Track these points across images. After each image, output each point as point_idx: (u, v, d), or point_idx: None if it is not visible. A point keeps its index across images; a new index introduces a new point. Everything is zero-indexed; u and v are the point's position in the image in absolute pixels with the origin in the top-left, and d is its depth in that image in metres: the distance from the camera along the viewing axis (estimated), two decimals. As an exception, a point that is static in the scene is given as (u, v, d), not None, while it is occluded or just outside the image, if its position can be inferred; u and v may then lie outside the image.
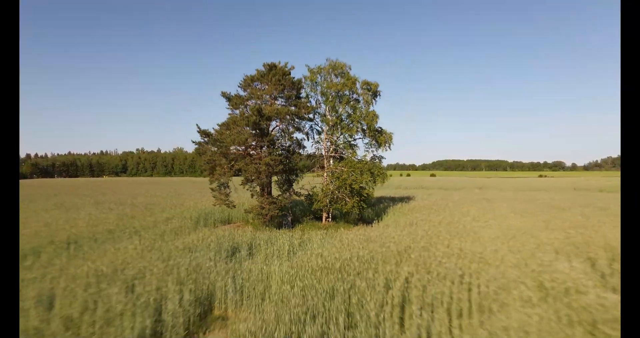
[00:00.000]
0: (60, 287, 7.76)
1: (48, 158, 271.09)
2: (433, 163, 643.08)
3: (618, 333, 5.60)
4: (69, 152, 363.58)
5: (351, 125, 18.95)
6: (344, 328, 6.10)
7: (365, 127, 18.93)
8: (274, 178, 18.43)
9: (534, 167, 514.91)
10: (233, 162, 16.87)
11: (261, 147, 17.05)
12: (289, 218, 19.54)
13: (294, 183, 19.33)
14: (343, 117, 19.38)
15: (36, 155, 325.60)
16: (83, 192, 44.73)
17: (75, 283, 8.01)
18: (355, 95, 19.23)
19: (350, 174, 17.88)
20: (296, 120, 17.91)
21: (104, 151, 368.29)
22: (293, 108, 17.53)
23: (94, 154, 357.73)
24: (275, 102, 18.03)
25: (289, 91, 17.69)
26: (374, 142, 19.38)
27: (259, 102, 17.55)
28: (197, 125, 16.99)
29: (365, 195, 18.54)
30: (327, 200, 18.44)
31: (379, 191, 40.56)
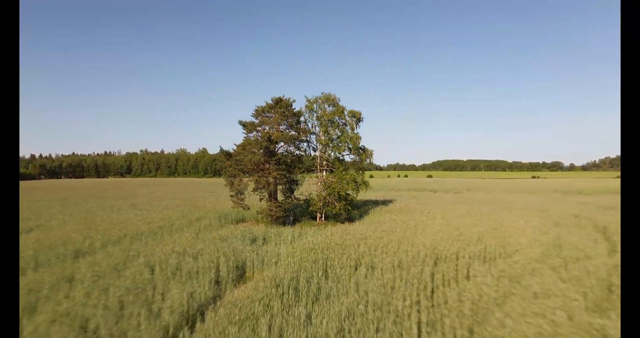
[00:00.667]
0: (155, 260, 12.99)
1: (53, 159, 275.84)
2: (433, 163, 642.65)
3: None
4: (73, 153, 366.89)
5: (340, 145, 24.20)
6: (321, 277, 11.30)
7: (350, 146, 24.16)
8: (279, 186, 23.61)
9: (533, 167, 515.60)
10: (248, 175, 22.13)
11: (269, 164, 22.25)
12: (291, 218, 24.67)
13: (294, 191, 24.56)
14: (334, 138, 24.59)
15: (40, 155, 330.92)
16: (107, 194, 50.01)
17: (160, 258, 13.23)
18: (343, 121, 24.44)
19: (338, 184, 23.09)
20: (296, 142, 23.13)
21: (107, 152, 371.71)
22: (294, 133, 22.77)
23: (98, 154, 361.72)
24: (280, 127, 23.24)
25: (291, 119, 22.90)
26: (357, 157, 24.64)
27: (267, 127, 22.78)
28: (220, 147, 22.31)
29: (350, 200, 23.78)
30: (321, 204, 23.62)
31: (370, 194, 45.79)
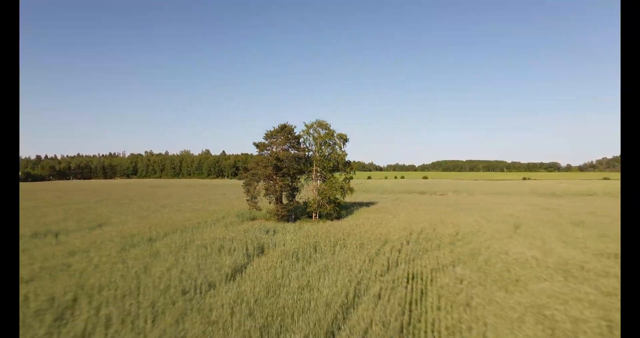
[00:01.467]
0: (205, 243, 20.09)
1: (59, 159, 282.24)
2: (433, 163, 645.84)
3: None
4: (78, 154, 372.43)
5: (330, 160, 31.30)
6: (312, 251, 18.40)
7: (338, 162, 31.27)
8: (284, 193, 30.67)
9: (530, 167, 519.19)
10: (260, 183, 29.26)
11: (277, 176, 29.34)
12: (292, 217, 31.65)
13: (295, 196, 31.65)
14: (326, 154, 31.68)
15: (46, 156, 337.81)
16: (134, 195, 57.18)
17: (208, 242, 20.33)
18: (332, 141, 31.55)
19: (329, 191, 30.17)
20: (297, 159, 30.23)
21: (112, 153, 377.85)
22: (295, 152, 29.89)
23: (103, 155, 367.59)
24: (284, 147, 30.34)
25: (292, 141, 29.99)
26: (344, 170, 31.76)
27: (274, 147, 29.90)
28: (242, 165, 29.24)
29: (338, 202, 30.86)
30: (315, 206, 30.65)
31: (362, 196, 52.91)
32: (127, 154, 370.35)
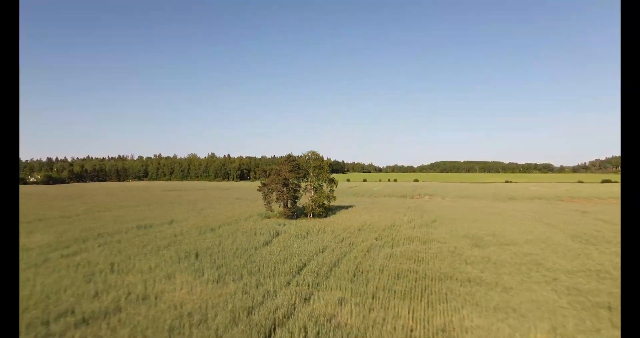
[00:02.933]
0: (245, 231, 35.26)
1: (69, 162, 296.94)
2: (431, 164, 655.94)
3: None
4: (88, 156, 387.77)
5: (320, 178, 46.39)
6: (305, 234, 33.52)
7: (325, 179, 46.37)
8: (289, 200, 45.76)
9: (525, 169, 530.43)
10: (273, 193, 44.39)
11: (285, 189, 44.37)
12: (295, 216, 46.70)
13: (297, 201, 46.72)
14: (317, 174, 46.75)
15: (57, 159, 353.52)
16: (172, 199, 72.39)
17: (247, 230, 35.47)
18: (321, 165, 46.62)
19: (319, 198, 45.22)
20: (297, 178, 45.30)
21: (121, 155, 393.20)
22: (296, 173, 45.02)
23: (112, 157, 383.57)
24: (289, 170, 45.40)
25: (294, 167, 45.03)
26: (329, 184, 46.93)
27: (282, 171, 44.96)
28: (260, 181, 44.56)
29: (325, 206, 45.90)
30: (310, 208, 45.69)
31: (350, 199, 68.00)
32: (136, 156, 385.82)
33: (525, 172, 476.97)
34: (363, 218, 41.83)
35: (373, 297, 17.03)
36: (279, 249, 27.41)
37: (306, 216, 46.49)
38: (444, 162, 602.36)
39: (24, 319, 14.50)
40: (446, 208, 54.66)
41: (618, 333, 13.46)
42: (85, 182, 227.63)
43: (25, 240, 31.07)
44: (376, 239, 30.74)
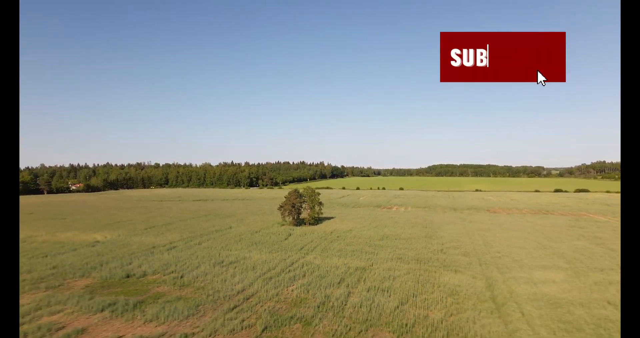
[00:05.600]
0: (271, 232, 69.09)
1: (90, 168, 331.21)
2: (429, 167, 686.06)
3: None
4: (107, 163, 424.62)
5: (313, 201, 79.93)
6: (304, 234, 67.29)
7: (316, 203, 79.85)
8: (296, 214, 79.17)
9: (514, 173, 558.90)
10: (286, 211, 77.98)
11: (294, 209, 77.72)
12: (298, 224, 80.00)
13: (300, 215, 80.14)
14: (311, 199, 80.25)
15: (78, 165, 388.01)
16: (209, 209, 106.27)
17: (272, 230, 69.21)
18: (313, 196, 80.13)
19: (313, 213, 78.68)
20: (300, 202, 78.61)
21: (139, 163, 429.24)
22: (299, 199, 78.36)
23: (130, 165, 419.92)
24: (295, 197, 78.84)
25: (298, 195, 78.31)
26: (318, 205, 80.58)
27: (291, 198, 78.39)
28: (279, 204, 78.06)
29: (316, 218, 79.32)
30: (307, 220, 79.11)
31: (337, 211, 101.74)
32: (152, 163, 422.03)
33: (514, 177, 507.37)
34: (337, 226, 75.25)
35: (327, 255, 50.36)
36: (291, 240, 60.90)
37: (305, 224, 79.93)
38: (440, 165, 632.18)
39: (204, 262, 48.21)
40: (396, 218, 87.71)
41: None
42: (117, 189, 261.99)
43: (165, 238, 64.78)
44: (338, 237, 64.27)
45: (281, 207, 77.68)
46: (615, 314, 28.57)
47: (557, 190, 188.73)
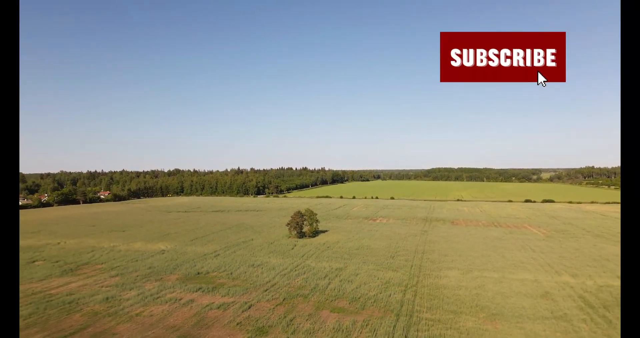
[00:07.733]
0: (282, 243, 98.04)
1: (108, 174, 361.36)
2: (427, 170, 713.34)
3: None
4: (123, 170, 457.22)
5: (312, 219, 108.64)
6: (305, 244, 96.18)
7: (313, 222, 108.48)
8: (300, 229, 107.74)
9: (506, 177, 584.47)
10: (293, 227, 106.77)
11: (297, 225, 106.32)
12: (301, 237, 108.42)
13: (303, 229, 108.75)
14: (310, 218, 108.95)
15: (102, 171, 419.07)
16: (234, 221, 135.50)
17: (282, 241, 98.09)
18: (312, 215, 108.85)
19: (311, 228, 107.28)
20: (302, 220, 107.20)
21: (153, 170, 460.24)
22: (301, 217, 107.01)
23: (145, 172, 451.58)
24: (298, 216, 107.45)
25: (301, 216, 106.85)
26: (315, 222, 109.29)
27: (295, 217, 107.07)
28: (287, 222, 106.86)
29: (314, 232, 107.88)
30: (307, 233, 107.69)
31: (332, 223, 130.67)
32: (165, 170, 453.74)
33: (507, 181, 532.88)
34: (328, 238, 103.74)
35: (319, 260, 78.93)
36: (296, 250, 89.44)
37: (306, 237, 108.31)
38: (439, 169, 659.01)
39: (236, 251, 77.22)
40: (375, 230, 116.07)
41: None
42: (139, 197, 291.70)
43: (209, 248, 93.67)
44: (327, 247, 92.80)
45: (288, 224, 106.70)
46: (477, 291, 57.42)
47: (526, 201, 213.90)
